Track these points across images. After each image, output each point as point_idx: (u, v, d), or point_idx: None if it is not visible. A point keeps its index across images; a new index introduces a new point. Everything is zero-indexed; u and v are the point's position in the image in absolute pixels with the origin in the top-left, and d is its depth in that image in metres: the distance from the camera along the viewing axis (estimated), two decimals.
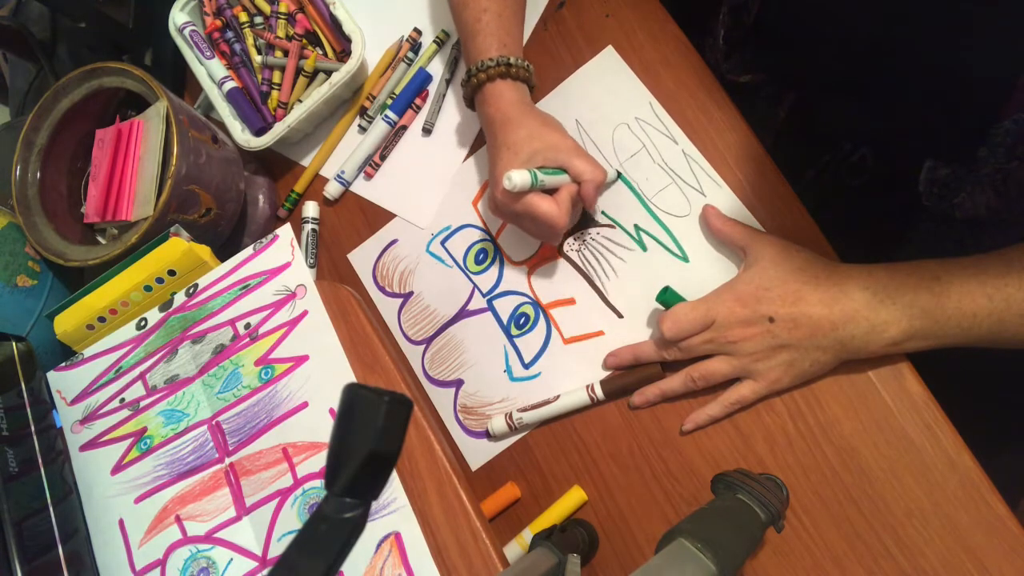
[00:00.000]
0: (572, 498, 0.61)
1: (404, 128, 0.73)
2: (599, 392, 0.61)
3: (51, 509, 0.57)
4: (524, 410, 0.62)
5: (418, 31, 0.74)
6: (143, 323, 0.63)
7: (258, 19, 0.75)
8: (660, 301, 0.58)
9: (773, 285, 0.53)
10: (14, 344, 0.63)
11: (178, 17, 0.74)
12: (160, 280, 0.63)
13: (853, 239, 0.60)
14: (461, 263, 0.69)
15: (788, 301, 0.52)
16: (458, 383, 0.67)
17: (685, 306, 0.56)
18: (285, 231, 0.61)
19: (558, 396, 0.62)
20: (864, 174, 0.67)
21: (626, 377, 0.60)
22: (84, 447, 0.62)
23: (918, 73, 0.54)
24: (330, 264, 0.74)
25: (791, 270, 0.53)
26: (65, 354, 0.66)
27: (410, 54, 0.73)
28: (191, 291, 0.62)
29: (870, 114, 0.60)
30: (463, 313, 0.68)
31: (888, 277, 0.51)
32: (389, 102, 0.73)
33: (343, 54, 0.73)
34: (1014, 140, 0.51)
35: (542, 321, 0.65)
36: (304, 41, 0.73)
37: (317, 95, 0.70)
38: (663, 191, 0.63)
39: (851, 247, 0.58)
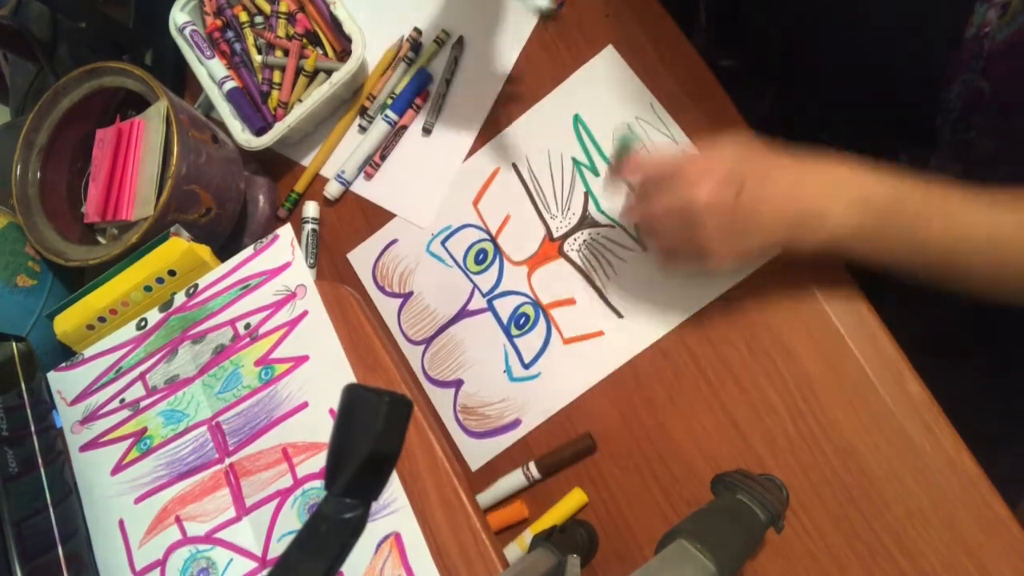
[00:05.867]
0: (572, 499, 0.61)
1: (404, 128, 0.73)
2: (534, 471, 0.62)
3: (51, 509, 0.57)
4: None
5: (418, 31, 0.74)
6: (143, 323, 0.63)
7: (258, 19, 0.75)
8: (620, 142, 0.55)
9: (744, 158, 0.51)
10: (14, 344, 0.63)
11: (178, 17, 0.74)
12: (160, 280, 0.63)
13: None
14: (461, 263, 0.69)
15: (757, 177, 0.50)
16: (458, 383, 0.67)
17: (657, 155, 0.52)
18: (285, 231, 0.61)
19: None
20: None
21: (560, 453, 0.62)
22: (84, 447, 0.62)
23: (876, 43, 0.54)
24: (330, 264, 0.74)
25: (759, 149, 0.51)
26: (65, 354, 0.66)
27: (410, 54, 0.73)
28: (191, 291, 0.62)
29: (840, 96, 0.61)
30: (463, 313, 0.68)
31: (850, 174, 0.49)
32: (389, 102, 0.73)
33: (343, 54, 0.73)
34: (965, 105, 0.51)
35: (542, 321, 0.65)
36: (304, 41, 0.73)
37: (317, 95, 0.70)
38: None
39: None
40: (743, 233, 0.50)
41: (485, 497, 0.63)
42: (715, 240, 0.50)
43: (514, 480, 0.62)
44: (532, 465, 0.62)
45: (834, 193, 0.49)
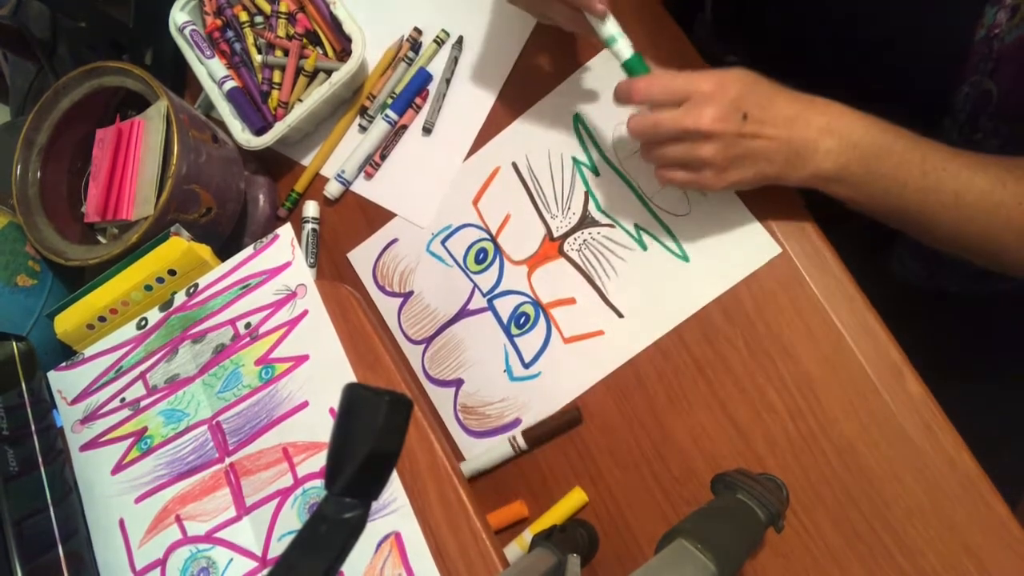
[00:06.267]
0: (572, 499, 0.61)
1: (404, 128, 0.73)
2: (521, 442, 0.62)
3: (51, 509, 0.57)
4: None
5: (418, 30, 0.74)
6: (143, 323, 0.63)
7: (258, 18, 0.75)
8: (626, 68, 0.54)
9: (750, 87, 0.52)
10: (14, 344, 0.63)
11: (178, 16, 0.74)
12: (160, 280, 0.63)
13: (848, 233, 0.60)
14: (461, 262, 0.69)
15: (761, 106, 0.51)
16: (458, 383, 0.67)
17: (663, 73, 0.53)
18: (285, 231, 0.61)
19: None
20: None
21: (546, 425, 0.62)
22: (84, 447, 0.62)
23: (884, 44, 0.54)
24: (330, 264, 0.74)
25: (764, 80, 0.52)
26: (65, 354, 0.66)
27: (410, 53, 0.73)
28: (191, 291, 0.62)
29: (846, 96, 0.61)
30: (463, 313, 0.68)
31: (845, 117, 0.51)
32: (389, 101, 0.73)
33: (343, 53, 0.73)
34: (973, 108, 0.51)
35: (542, 321, 0.65)
36: (304, 40, 0.73)
37: (317, 95, 0.70)
38: (663, 190, 0.63)
39: (846, 241, 0.58)
40: (741, 160, 0.51)
41: (469, 466, 0.63)
42: (714, 164, 0.52)
43: (501, 450, 0.63)
44: (519, 435, 0.62)
45: (827, 132, 0.50)
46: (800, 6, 0.60)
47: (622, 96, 0.53)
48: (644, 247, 0.63)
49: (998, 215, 0.49)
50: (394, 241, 0.72)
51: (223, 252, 0.65)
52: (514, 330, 0.66)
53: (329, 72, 0.73)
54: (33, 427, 0.60)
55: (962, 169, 0.49)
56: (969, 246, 0.52)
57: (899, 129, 0.50)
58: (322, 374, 0.57)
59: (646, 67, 0.53)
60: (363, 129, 0.75)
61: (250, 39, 0.74)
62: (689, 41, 0.63)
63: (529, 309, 0.66)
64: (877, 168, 0.50)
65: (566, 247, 0.65)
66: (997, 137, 0.54)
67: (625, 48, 0.54)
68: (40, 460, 0.59)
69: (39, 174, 0.68)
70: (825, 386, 0.56)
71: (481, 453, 0.64)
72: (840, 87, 0.61)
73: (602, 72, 0.66)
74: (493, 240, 0.68)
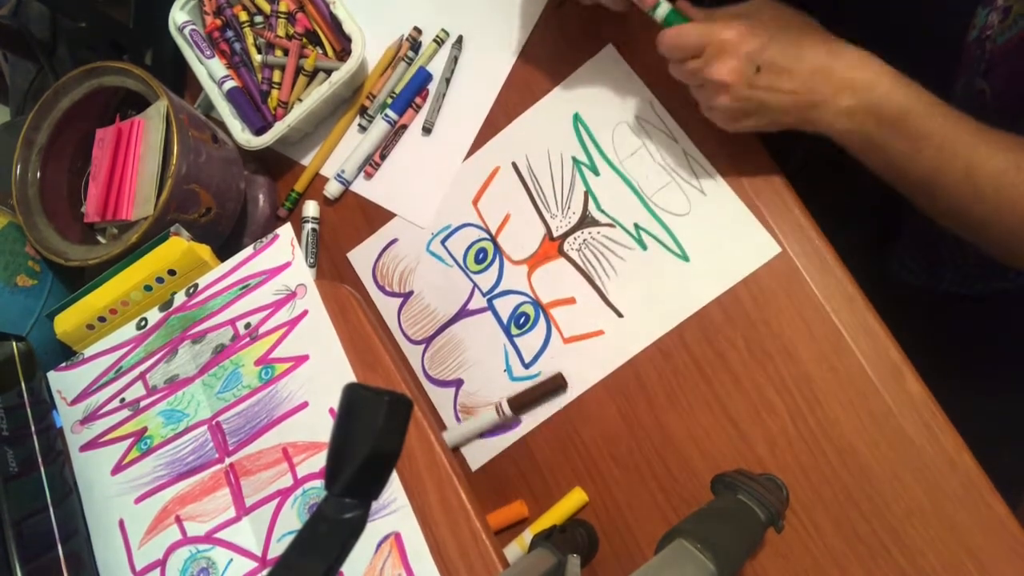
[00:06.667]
0: (572, 499, 0.61)
1: (404, 127, 0.73)
2: (506, 409, 0.63)
3: (51, 509, 0.57)
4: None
5: (418, 30, 0.74)
6: (143, 323, 0.63)
7: (258, 18, 0.75)
8: (666, 24, 0.54)
9: (774, 32, 0.51)
10: (14, 344, 0.63)
11: (178, 16, 0.74)
12: (160, 280, 0.63)
13: (848, 233, 0.60)
14: (461, 262, 0.69)
15: (786, 52, 0.50)
16: (458, 383, 0.67)
17: (689, 28, 0.52)
18: (285, 231, 0.61)
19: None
20: (842, 165, 0.67)
21: (531, 392, 0.63)
22: (84, 447, 0.62)
23: (877, 42, 0.54)
24: (330, 264, 0.74)
25: (792, 20, 0.52)
26: (65, 354, 0.66)
27: (410, 53, 0.73)
28: (191, 291, 0.62)
29: None
30: (463, 312, 0.68)
31: (869, 76, 0.49)
32: (389, 101, 0.73)
33: (343, 53, 0.73)
34: (967, 106, 0.51)
35: (542, 320, 0.65)
36: (304, 40, 0.73)
37: (317, 94, 0.70)
38: (663, 190, 0.63)
39: (846, 241, 0.58)
40: (754, 111, 0.52)
41: (453, 434, 0.64)
42: (720, 111, 0.53)
43: (487, 418, 0.63)
44: (504, 402, 0.63)
45: (848, 88, 0.49)
46: (792, 4, 0.60)
47: (658, 47, 0.54)
48: (644, 247, 0.63)
49: (1008, 197, 0.47)
50: (394, 241, 0.72)
51: (223, 252, 0.65)
52: (514, 330, 0.66)
53: (329, 72, 0.73)
54: (33, 427, 0.60)
55: (980, 145, 0.48)
56: (971, 224, 0.50)
57: (922, 92, 0.49)
58: (322, 374, 0.57)
59: (683, 19, 0.54)
60: (363, 129, 0.75)
61: (250, 39, 0.74)
62: None
63: (529, 309, 0.66)
64: (892, 133, 0.49)
65: (566, 247, 0.65)
66: None
67: (663, 9, 0.54)
68: (40, 460, 0.59)
69: (39, 174, 0.68)
70: (825, 386, 0.56)
71: (466, 423, 0.64)
72: None
73: (602, 72, 0.66)
74: (493, 240, 0.68)
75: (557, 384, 0.62)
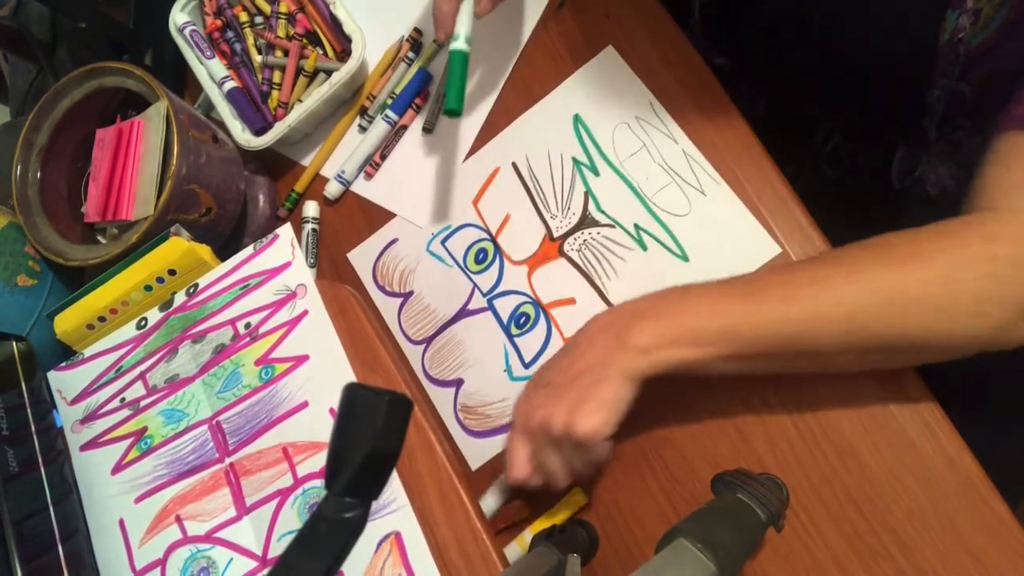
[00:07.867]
0: (572, 499, 0.61)
1: (404, 128, 0.73)
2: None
3: (51, 509, 0.57)
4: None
5: (419, 31, 0.74)
6: (143, 323, 0.63)
7: (258, 19, 0.75)
8: (450, 58, 0.56)
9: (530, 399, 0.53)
10: (14, 344, 0.63)
11: (178, 17, 0.74)
12: (160, 280, 0.63)
13: (848, 233, 0.60)
14: (461, 262, 0.69)
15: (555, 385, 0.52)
16: (458, 383, 0.67)
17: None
18: (285, 231, 0.61)
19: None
20: (840, 164, 0.67)
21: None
22: (84, 447, 0.62)
23: (856, 45, 0.54)
24: (330, 264, 0.74)
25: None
26: (65, 354, 0.66)
27: (410, 54, 0.73)
28: (191, 291, 0.62)
29: (831, 96, 0.62)
30: (463, 313, 0.68)
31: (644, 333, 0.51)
32: (389, 102, 0.73)
33: (343, 54, 0.73)
34: (947, 108, 0.51)
35: (542, 321, 0.65)
36: (304, 41, 0.73)
37: (317, 95, 0.70)
38: (663, 190, 0.63)
39: (846, 241, 0.58)
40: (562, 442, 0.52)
41: (488, 501, 0.62)
42: (557, 462, 0.53)
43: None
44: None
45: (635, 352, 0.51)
46: (773, 7, 0.60)
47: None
48: (644, 247, 0.63)
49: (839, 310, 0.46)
50: (394, 241, 0.72)
51: (223, 252, 0.65)
52: (514, 330, 0.66)
53: (329, 72, 0.73)
54: (33, 427, 0.60)
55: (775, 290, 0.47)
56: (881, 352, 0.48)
57: (702, 300, 0.49)
58: (322, 374, 0.57)
59: (465, 64, 0.56)
60: (363, 129, 0.75)
61: (250, 39, 0.74)
62: (689, 43, 0.63)
63: (529, 309, 0.66)
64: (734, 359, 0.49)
65: (566, 247, 0.65)
66: (980, 134, 0.54)
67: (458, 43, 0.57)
68: (40, 460, 0.59)
69: (39, 174, 0.68)
70: (825, 387, 0.56)
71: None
72: (824, 89, 0.62)
73: (602, 73, 0.66)
74: (493, 240, 0.68)
75: None
